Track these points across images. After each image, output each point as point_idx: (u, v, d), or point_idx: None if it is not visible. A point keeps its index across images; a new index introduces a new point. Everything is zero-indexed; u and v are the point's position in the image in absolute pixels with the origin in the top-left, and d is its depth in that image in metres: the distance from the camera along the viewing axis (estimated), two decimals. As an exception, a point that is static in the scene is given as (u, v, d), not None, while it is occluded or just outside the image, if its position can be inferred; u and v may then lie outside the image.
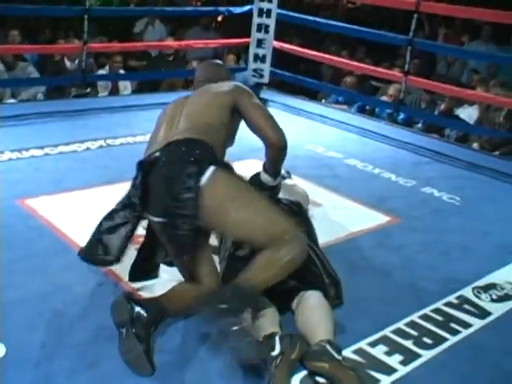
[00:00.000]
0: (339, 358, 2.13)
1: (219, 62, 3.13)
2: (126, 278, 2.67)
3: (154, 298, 2.33)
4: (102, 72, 6.85)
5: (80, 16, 5.46)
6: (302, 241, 2.28)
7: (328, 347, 2.15)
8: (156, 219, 2.38)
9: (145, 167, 2.38)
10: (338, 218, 3.53)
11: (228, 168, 2.45)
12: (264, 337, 2.17)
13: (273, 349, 2.09)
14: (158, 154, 2.38)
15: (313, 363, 2.14)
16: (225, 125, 2.52)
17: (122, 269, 2.74)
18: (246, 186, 2.42)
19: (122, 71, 7.01)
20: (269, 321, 2.27)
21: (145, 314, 2.16)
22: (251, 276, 2.20)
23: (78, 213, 3.25)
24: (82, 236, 3.00)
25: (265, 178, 2.78)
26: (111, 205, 3.36)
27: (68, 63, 6.59)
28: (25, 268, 2.70)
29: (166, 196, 2.29)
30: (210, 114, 2.52)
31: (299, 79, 6.59)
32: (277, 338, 2.12)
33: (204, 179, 2.26)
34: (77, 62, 6.48)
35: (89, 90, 6.37)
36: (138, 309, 2.16)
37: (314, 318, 2.33)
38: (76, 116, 5.12)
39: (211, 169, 2.28)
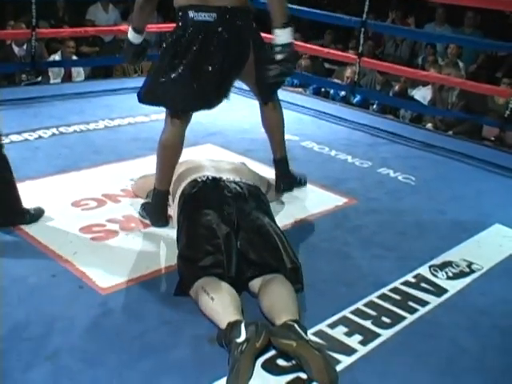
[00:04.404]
0: (306, 338, 2.14)
1: None
2: (81, 267, 2.63)
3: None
4: (54, 57, 6.69)
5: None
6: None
7: (296, 326, 2.15)
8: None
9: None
10: (295, 200, 3.52)
11: None
12: (229, 324, 2.17)
13: (238, 336, 2.09)
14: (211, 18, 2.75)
15: (280, 341, 2.13)
16: None
17: (79, 259, 2.71)
18: None
19: (74, 57, 6.87)
20: (232, 308, 2.27)
21: None
22: None
23: (30, 203, 3.17)
24: (34, 227, 2.95)
25: (278, 36, 2.77)
26: (65, 194, 3.33)
27: (16, 49, 6.41)
28: (-23, 261, 2.63)
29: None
30: None
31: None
32: (242, 326, 2.12)
33: None
34: (25, 47, 6.31)
35: (40, 78, 6.22)
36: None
37: (280, 300, 2.33)
38: (27, 104, 5.00)
39: None
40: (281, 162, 3.39)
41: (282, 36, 2.76)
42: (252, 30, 2.94)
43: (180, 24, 2.83)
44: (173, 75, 2.78)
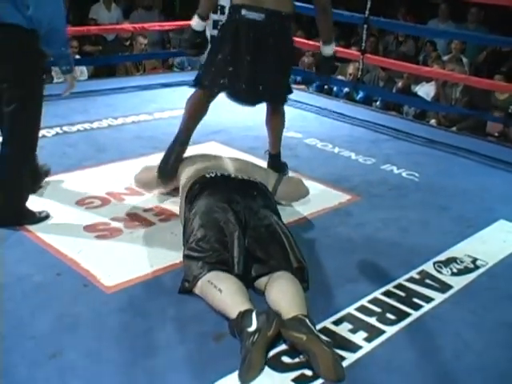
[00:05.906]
0: (317, 333, 2.14)
1: None
2: (86, 266, 2.64)
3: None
4: (57, 57, 6.68)
5: None
6: None
7: (307, 321, 2.16)
8: None
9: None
10: (299, 198, 3.53)
11: None
12: (239, 313, 2.17)
13: (249, 325, 2.09)
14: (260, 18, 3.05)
15: (290, 333, 2.13)
16: None
17: (84, 257, 2.72)
18: None
19: (77, 56, 6.87)
20: (241, 297, 2.28)
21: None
22: None
23: (34, 202, 3.18)
24: (39, 226, 2.96)
25: (326, 50, 3.33)
26: (69, 193, 3.33)
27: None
28: (-19, 260, 2.63)
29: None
30: None
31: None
32: (253, 315, 2.12)
33: None
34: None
35: (44, 77, 6.20)
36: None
37: (288, 295, 2.33)
38: (30, 103, 4.99)
39: None
40: (274, 157, 3.68)
41: (326, 50, 3.33)
42: (289, 35, 3.26)
43: (232, 19, 3.14)
44: (236, 64, 3.08)
